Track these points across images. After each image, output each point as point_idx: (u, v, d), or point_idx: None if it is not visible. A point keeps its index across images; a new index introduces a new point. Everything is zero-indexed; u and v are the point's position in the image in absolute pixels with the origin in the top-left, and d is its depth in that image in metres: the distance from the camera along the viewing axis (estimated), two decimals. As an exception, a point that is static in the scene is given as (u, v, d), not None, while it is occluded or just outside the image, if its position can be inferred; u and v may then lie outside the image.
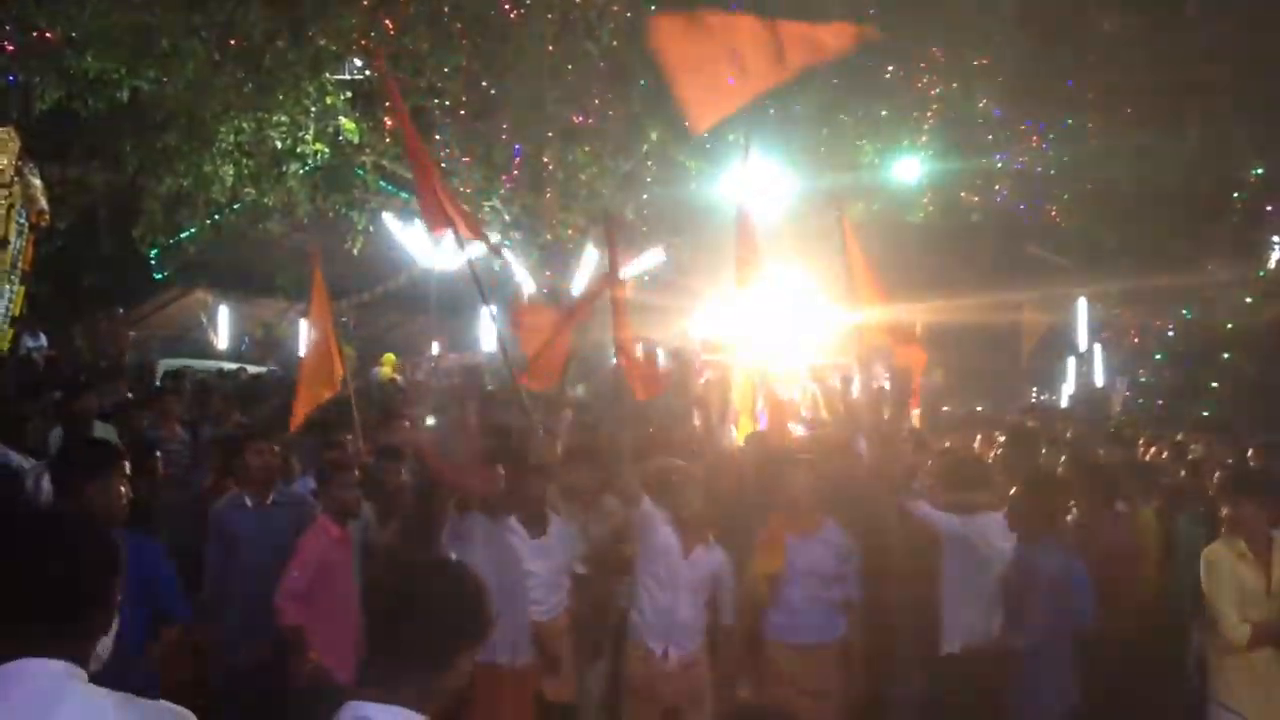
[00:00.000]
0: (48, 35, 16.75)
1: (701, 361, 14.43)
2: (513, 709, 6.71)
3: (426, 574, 2.74)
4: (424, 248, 22.83)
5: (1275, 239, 20.00)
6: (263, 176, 19.32)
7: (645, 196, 22.25)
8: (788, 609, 7.23)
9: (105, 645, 2.74)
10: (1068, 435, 12.68)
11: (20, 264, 17.65)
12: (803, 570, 7.13)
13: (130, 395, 13.08)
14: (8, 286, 17.43)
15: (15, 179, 17.28)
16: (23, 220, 17.61)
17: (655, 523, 7.11)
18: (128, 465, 5.28)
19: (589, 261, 22.10)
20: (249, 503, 7.03)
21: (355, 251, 21.22)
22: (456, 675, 2.70)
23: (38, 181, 17.76)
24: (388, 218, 22.27)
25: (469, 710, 6.37)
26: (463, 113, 20.49)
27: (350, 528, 6.72)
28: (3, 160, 17.03)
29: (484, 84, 20.05)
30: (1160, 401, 18.73)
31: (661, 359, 12.41)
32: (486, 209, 21.05)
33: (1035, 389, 29.43)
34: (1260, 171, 19.32)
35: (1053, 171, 20.05)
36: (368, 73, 20.32)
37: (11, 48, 16.83)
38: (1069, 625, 6.30)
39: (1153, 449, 11.53)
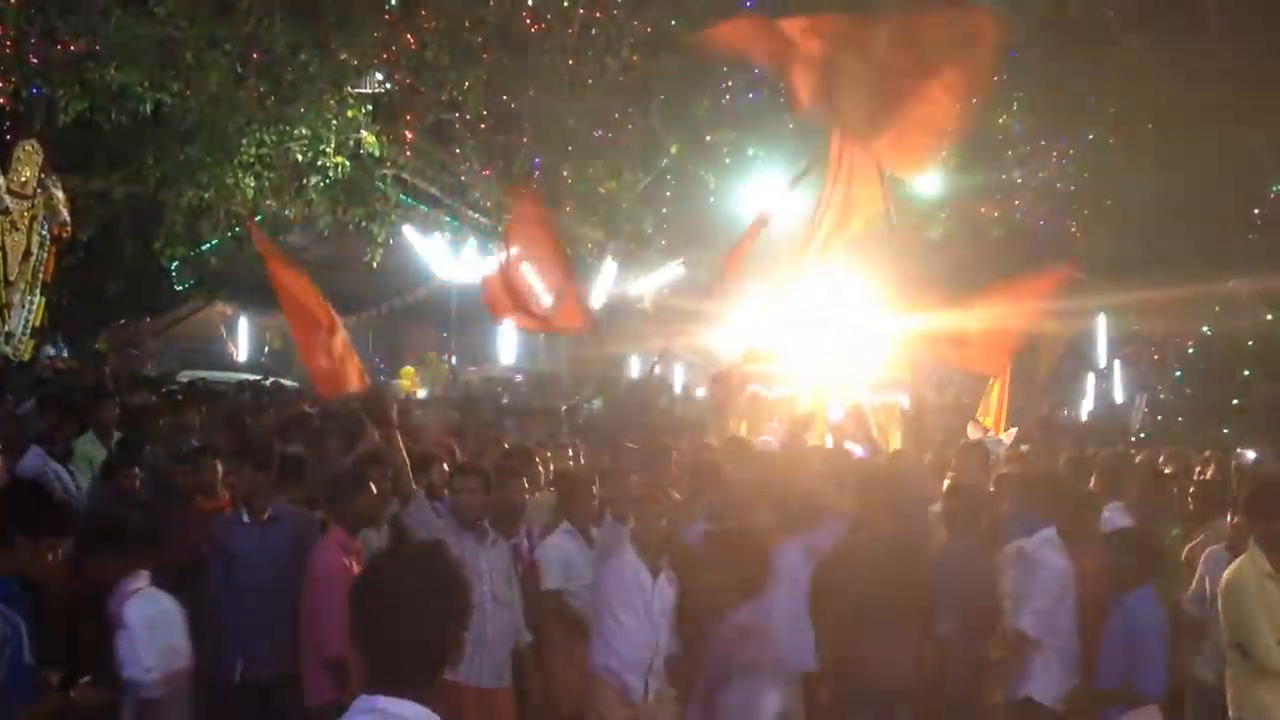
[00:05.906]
0: (72, 48, 16.88)
1: (744, 374, 13.61)
2: None
3: (418, 565, 2.72)
4: (443, 260, 22.89)
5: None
6: (284, 189, 19.40)
7: (664, 211, 22.26)
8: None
9: None
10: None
11: (41, 275, 17.81)
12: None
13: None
14: (30, 297, 17.58)
15: (38, 191, 17.43)
16: (44, 232, 17.76)
17: (623, 545, 6.39)
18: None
19: (608, 274, 22.11)
20: (246, 519, 6.88)
21: (374, 264, 21.27)
22: (454, 658, 2.72)
23: (60, 193, 17.90)
24: (408, 230, 22.33)
25: None
26: (483, 126, 20.56)
27: (361, 539, 6.60)
28: (26, 172, 17.19)
29: (504, 98, 20.12)
30: (1180, 419, 18.58)
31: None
32: (507, 221, 21.09)
33: (1052, 406, 29.24)
34: (1280, 187, 19.28)
35: (1073, 187, 19.95)
36: (389, 86, 20.41)
37: (36, 60, 16.96)
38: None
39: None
